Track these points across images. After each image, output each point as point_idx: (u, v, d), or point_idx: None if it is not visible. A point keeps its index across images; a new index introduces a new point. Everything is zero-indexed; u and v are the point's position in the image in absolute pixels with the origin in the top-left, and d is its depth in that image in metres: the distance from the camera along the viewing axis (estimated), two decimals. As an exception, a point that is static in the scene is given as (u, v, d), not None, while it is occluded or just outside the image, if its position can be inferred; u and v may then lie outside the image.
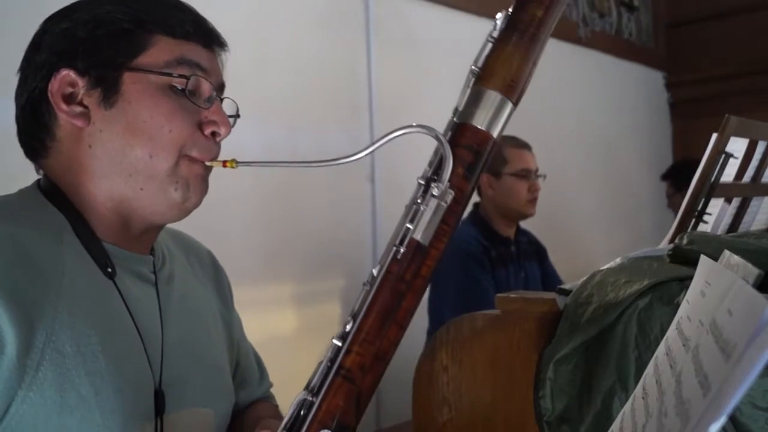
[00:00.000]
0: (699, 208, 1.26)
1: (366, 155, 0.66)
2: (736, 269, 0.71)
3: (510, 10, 0.64)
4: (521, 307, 0.94)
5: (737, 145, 1.28)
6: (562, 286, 0.98)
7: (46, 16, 0.85)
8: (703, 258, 0.62)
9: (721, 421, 0.37)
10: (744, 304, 0.42)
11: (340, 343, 0.62)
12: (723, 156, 1.24)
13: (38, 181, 0.85)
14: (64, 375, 0.71)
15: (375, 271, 0.63)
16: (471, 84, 0.64)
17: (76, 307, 0.74)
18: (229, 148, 0.90)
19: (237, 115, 0.90)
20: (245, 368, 1.06)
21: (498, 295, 0.97)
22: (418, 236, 0.62)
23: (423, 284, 0.63)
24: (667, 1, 4.93)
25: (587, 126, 3.87)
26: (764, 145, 1.39)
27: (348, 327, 0.62)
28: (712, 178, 1.25)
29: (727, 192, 1.34)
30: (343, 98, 2.77)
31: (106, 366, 0.74)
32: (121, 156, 0.80)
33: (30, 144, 0.85)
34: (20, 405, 0.69)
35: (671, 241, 1.21)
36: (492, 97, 0.62)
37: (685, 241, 0.95)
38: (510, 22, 0.64)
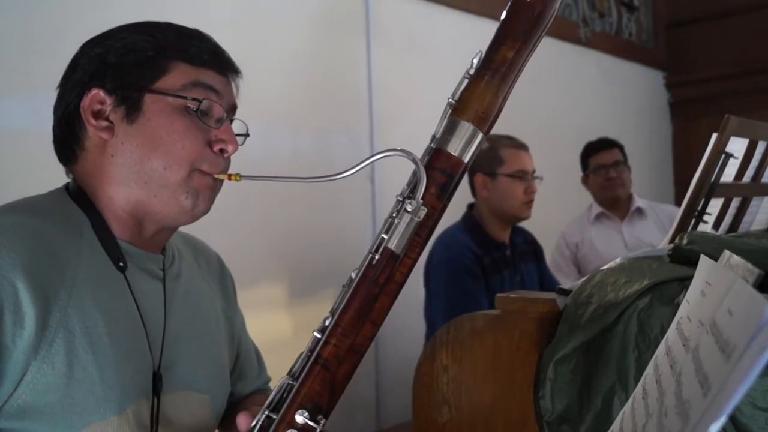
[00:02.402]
0: (699, 208, 1.26)
1: (353, 173, 0.75)
2: (736, 269, 0.71)
3: (484, 51, 0.73)
4: (521, 307, 0.94)
5: (737, 145, 1.28)
6: (562, 286, 0.98)
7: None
8: (703, 258, 0.62)
9: (721, 421, 0.37)
10: (744, 304, 0.42)
11: (319, 336, 0.71)
12: (723, 156, 1.24)
13: (67, 183, 0.95)
14: (73, 351, 0.81)
15: (353, 275, 0.72)
16: (447, 115, 0.72)
17: (87, 293, 0.84)
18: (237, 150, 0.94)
19: (246, 134, 0.99)
20: (244, 361, 1.15)
21: (498, 295, 0.97)
22: (391, 245, 0.70)
23: (396, 288, 0.71)
24: (667, 1, 4.93)
25: (587, 126, 3.87)
26: (764, 145, 1.39)
27: (327, 322, 0.71)
28: (712, 178, 1.25)
29: (727, 192, 1.34)
30: (343, 98, 2.77)
31: (110, 346, 0.84)
32: (138, 166, 0.89)
33: (62, 151, 0.95)
34: (35, 374, 0.79)
35: (671, 241, 1.21)
36: (465, 127, 0.71)
37: (685, 241, 0.95)
38: (484, 62, 0.72)
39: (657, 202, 3.29)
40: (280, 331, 2.39)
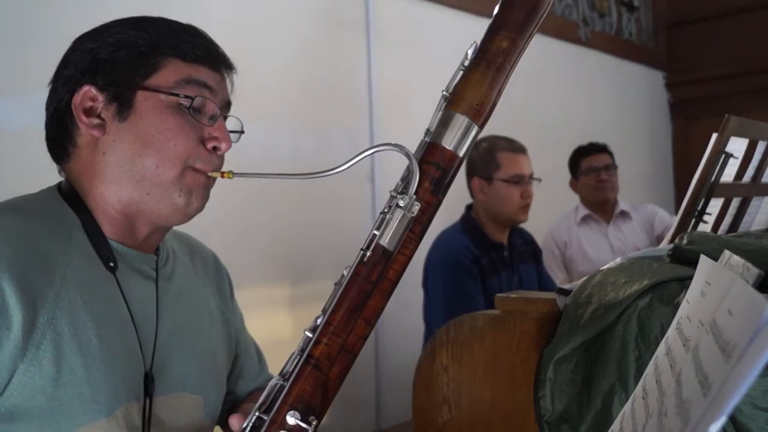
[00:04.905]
0: (699, 208, 1.26)
1: (344, 170, 0.73)
2: (736, 269, 0.71)
3: (479, 41, 0.71)
4: (521, 307, 0.94)
5: (737, 145, 1.28)
6: (562, 286, 0.98)
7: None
8: (703, 258, 0.62)
9: (721, 421, 0.37)
10: (744, 304, 0.42)
11: (310, 335, 0.70)
12: (723, 156, 1.24)
13: (60, 182, 0.94)
14: (61, 353, 0.80)
15: (345, 272, 0.70)
16: (442, 107, 0.70)
17: (76, 295, 0.83)
18: (231, 148, 0.93)
19: (241, 131, 0.98)
20: (244, 360, 1.14)
21: (498, 295, 0.97)
22: (383, 242, 0.69)
23: (390, 286, 0.70)
24: (667, 1, 4.93)
25: (587, 126, 3.87)
26: (764, 145, 1.39)
27: (318, 320, 0.70)
28: (712, 178, 1.25)
29: (727, 192, 1.34)
30: (343, 98, 2.77)
31: (99, 348, 0.83)
32: (130, 164, 0.88)
33: (54, 149, 0.94)
34: (22, 376, 0.78)
35: (671, 241, 1.21)
36: (460, 120, 0.69)
37: (685, 241, 0.95)
38: (479, 52, 0.70)
39: (641, 203, 3.32)
40: (279, 330, 2.39)
